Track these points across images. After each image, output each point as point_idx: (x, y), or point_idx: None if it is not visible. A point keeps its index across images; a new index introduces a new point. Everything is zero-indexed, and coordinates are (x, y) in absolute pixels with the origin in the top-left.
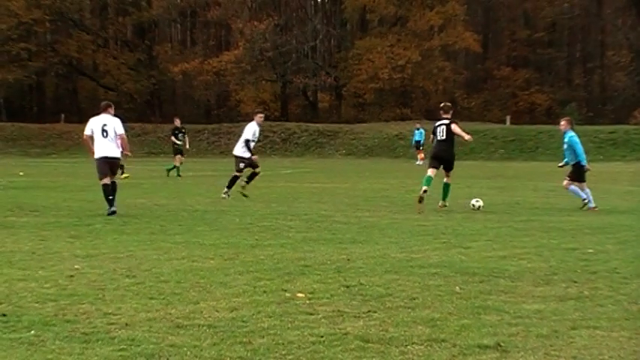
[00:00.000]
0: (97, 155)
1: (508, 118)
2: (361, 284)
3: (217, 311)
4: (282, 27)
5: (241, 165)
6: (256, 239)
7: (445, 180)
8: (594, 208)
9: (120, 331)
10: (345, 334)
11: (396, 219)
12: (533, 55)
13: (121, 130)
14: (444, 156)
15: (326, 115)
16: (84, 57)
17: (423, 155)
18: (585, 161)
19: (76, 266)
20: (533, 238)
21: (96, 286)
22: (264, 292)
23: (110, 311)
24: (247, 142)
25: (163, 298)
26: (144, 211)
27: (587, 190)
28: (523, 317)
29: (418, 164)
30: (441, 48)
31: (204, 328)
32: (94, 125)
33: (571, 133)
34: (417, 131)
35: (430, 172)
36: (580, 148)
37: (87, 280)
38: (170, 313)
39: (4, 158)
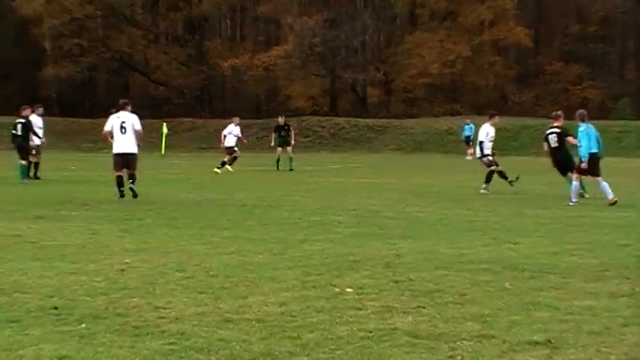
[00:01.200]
0: (115, 151)
1: (560, 113)
2: (410, 280)
3: (266, 306)
4: (332, 22)
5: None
6: (305, 234)
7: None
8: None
9: (170, 325)
10: (394, 329)
11: (445, 214)
12: (585, 49)
13: (138, 127)
14: (558, 161)
15: (375, 110)
16: (135, 52)
17: (472, 150)
18: (585, 157)
19: (126, 260)
20: (584, 234)
21: (146, 280)
22: (313, 287)
23: (160, 305)
24: None
25: (212, 293)
26: (193, 206)
27: (603, 184)
28: (574, 314)
29: (467, 159)
30: (492, 43)
31: (253, 322)
32: (113, 122)
33: (581, 127)
34: (466, 126)
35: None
36: (585, 143)
37: (137, 274)
38: (219, 308)
39: (57, 152)
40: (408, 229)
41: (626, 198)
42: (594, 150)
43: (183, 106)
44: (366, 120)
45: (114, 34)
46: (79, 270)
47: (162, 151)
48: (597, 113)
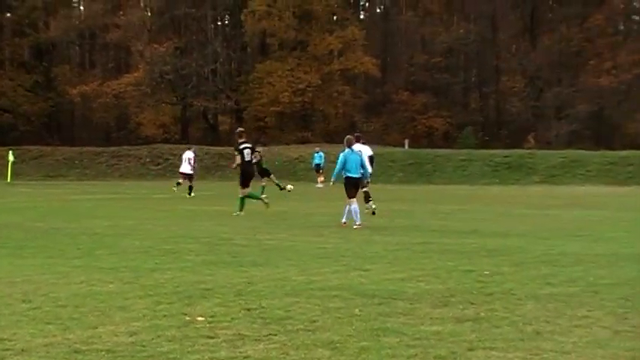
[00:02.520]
0: None
1: (407, 141)
2: (262, 307)
3: (116, 336)
4: (182, 50)
5: None
6: (156, 263)
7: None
8: (345, 223)
9: (16, 357)
10: (246, 357)
11: (296, 242)
12: (431, 79)
13: None
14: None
15: (227, 138)
16: None
17: (322, 178)
18: (333, 177)
19: None
20: (431, 260)
21: None
22: (164, 315)
23: (5, 337)
24: None
25: (61, 323)
26: (41, 235)
27: (352, 207)
28: (422, 339)
29: (318, 187)
30: (341, 72)
31: (103, 353)
32: None
33: (345, 152)
34: (316, 154)
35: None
36: (337, 167)
37: None
38: (68, 339)
39: None
40: (259, 256)
41: (471, 225)
42: (350, 175)
43: (30, 133)
44: (218, 148)
45: None
46: None
47: (9, 179)
48: (442, 142)
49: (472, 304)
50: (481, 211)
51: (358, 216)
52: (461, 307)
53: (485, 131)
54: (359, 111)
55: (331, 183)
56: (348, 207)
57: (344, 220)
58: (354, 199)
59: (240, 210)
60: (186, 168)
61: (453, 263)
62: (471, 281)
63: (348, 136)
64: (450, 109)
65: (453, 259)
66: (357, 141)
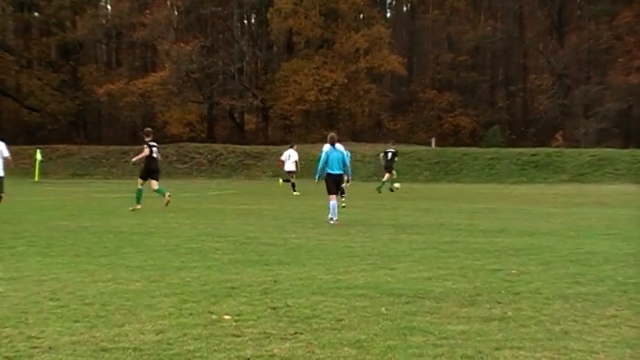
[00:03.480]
0: None
1: (433, 140)
2: (288, 306)
3: (143, 334)
4: (209, 48)
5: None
6: (182, 261)
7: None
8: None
9: (43, 355)
10: (272, 356)
11: (322, 240)
12: (457, 78)
13: (6, 154)
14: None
15: (253, 137)
16: (7, 78)
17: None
18: (315, 177)
19: None
20: (457, 259)
21: (19, 309)
22: (191, 314)
23: (33, 334)
24: None
25: (88, 321)
26: (68, 234)
27: (330, 203)
28: (448, 338)
29: (343, 185)
30: (367, 70)
31: (130, 351)
32: None
33: (325, 149)
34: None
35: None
36: (319, 165)
37: (9, 304)
38: (95, 337)
39: None
40: (285, 255)
41: (498, 224)
42: (331, 171)
43: (57, 132)
44: (244, 146)
45: None
46: None
47: (36, 178)
48: (469, 140)
49: (499, 303)
50: (508, 209)
51: (336, 212)
52: (488, 306)
53: (513, 130)
54: (385, 109)
55: (316, 181)
56: (332, 201)
57: (331, 216)
58: (334, 196)
59: (138, 203)
60: (291, 166)
61: (480, 262)
62: (498, 280)
63: (330, 134)
64: (477, 108)
65: (480, 258)
66: (333, 142)
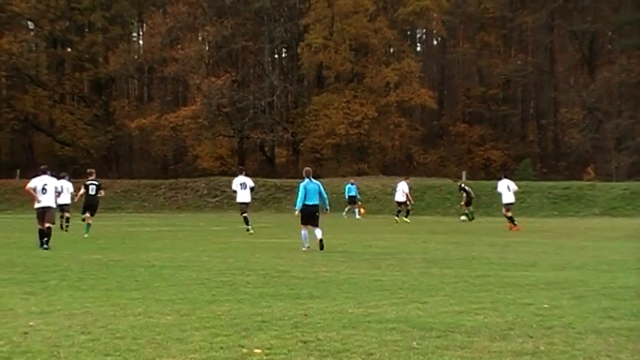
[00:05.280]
0: (37, 206)
1: (464, 173)
2: (318, 340)
3: None
4: (240, 83)
5: None
6: (213, 295)
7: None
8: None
9: None
10: None
11: (353, 274)
12: (488, 111)
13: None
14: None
15: (283, 170)
16: (40, 112)
17: (363, 210)
18: (296, 207)
19: (30, 323)
20: (489, 293)
21: (50, 343)
22: (221, 348)
23: None
24: None
25: (119, 355)
26: (100, 267)
27: (302, 232)
28: None
29: (357, 218)
30: (397, 104)
31: None
32: (37, 183)
33: (303, 183)
34: (349, 186)
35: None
36: (299, 197)
37: (41, 337)
38: None
39: None
40: (316, 288)
41: (529, 257)
42: (308, 202)
43: (89, 166)
44: (274, 180)
45: (18, 95)
46: None
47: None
48: (500, 174)
49: (531, 337)
50: (540, 243)
51: (307, 241)
52: (520, 340)
53: (544, 163)
54: (415, 143)
55: (296, 213)
56: (303, 231)
57: (307, 245)
58: (307, 227)
59: (86, 232)
60: (400, 197)
61: (512, 296)
62: (530, 314)
63: (306, 168)
64: (508, 141)
65: (511, 292)
66: (309, 175)
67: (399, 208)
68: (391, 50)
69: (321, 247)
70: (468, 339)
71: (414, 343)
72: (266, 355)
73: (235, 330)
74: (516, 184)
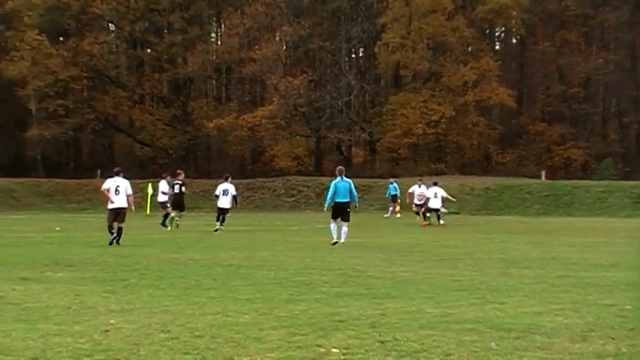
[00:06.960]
0: (110, 207)
1: (543, 173)
2: (396, 340)
3: None
4: (317, 82)
5: None
6: (290, 294)
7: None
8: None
9: None
10: None
11: (430, 274)
12: (568, 110)
13: (130, 191)
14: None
15: (360, 170)
16: (120, 113)
17: (399, 208)
18: (325, 204)
19: (111, 321)
20: (569, 294)
21: (131, 341)
22: (299, 347)
23: None
24: None
25: (198, 354)
26: (178, 266)
27: (331, 225)
28: None
29: (398, 217)
30: (475, 103)
31: None
32: (111, 185)
33: (335, 180)
34: (391, 185)
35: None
36: (329, 194)
37: (122, 335)
38: None
39: (42, 214)
40: (393, 288)
41: (610, 257)
42: (338, 199)
43: (168, 166)
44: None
45: (99, 96)
46: (63, 331)
47: (148, 212)
48: (581, 173)
49: (613, 339)
50: (621, 243)
51: (335, 234)
52: (601, 342)
53: (626, 162)
54: (494, 142)
55: (325, 210)
56: (332, 225)
57: (336, 238)
58: (337, 220)
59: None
60: (437, 203)
61: (592, 297)
62: (612, 316)
63: (339, 167)
64: (589, 140)
65: (592, 292)
66: (341, 174)
67: (429, 214)
68: (469, 49)
69: (334, 243)
70: (547, 340)
71: (493, 344)
72: (343, 354)
73: (312, 329)
74: (598, 184)
